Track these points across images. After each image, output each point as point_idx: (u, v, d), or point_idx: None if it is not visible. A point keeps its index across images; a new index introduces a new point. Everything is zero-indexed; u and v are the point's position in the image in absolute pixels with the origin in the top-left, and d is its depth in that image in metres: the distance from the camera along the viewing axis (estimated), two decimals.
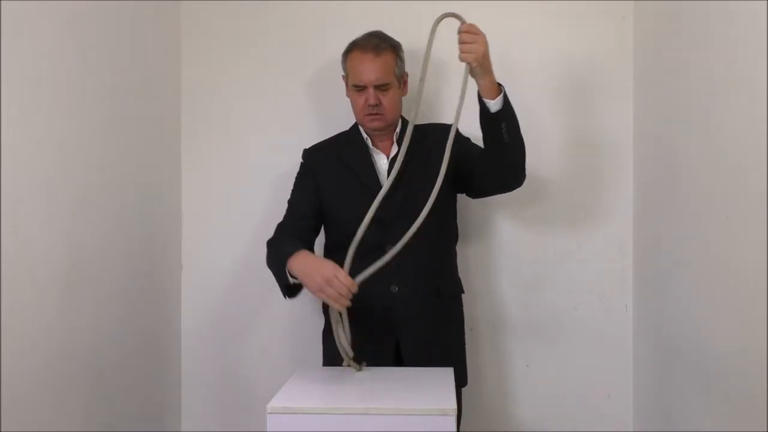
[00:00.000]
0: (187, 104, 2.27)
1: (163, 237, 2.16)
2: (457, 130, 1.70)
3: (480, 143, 1.81)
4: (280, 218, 1.89)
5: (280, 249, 1.72)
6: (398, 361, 1.83)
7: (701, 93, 1.67)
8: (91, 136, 1.73)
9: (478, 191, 1.92)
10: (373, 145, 1.90)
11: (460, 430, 1.85)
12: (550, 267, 2.21)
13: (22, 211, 1.46)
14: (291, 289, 1.71)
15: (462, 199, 1.98)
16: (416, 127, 1.71)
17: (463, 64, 1.64)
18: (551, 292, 2.20)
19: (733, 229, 1.50)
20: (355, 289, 1.57)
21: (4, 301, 1.39)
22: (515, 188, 1.85)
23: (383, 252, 1.64)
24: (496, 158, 1.74)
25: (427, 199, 1.61)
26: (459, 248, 2.00)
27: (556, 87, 2.18)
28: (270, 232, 1.84)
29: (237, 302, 2.26)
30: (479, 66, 1.62)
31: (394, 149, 1.88)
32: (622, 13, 2.17)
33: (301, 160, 1.96)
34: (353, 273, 1.60)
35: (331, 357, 1.78)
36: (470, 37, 1.61)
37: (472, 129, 1.84)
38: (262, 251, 1.80)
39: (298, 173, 1.95)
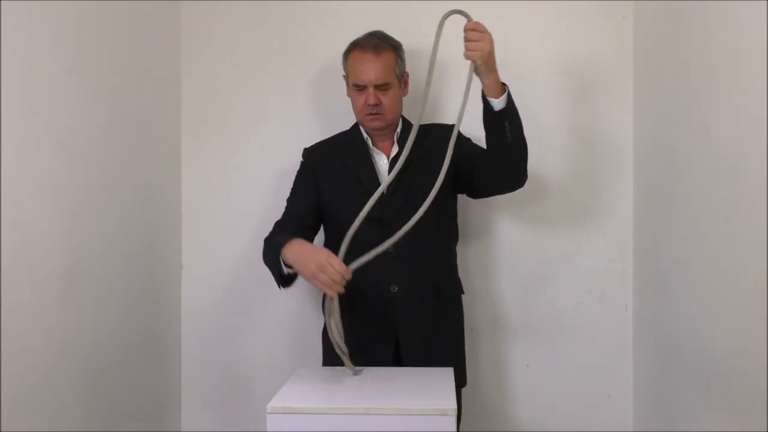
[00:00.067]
0: (187, 104, 2.27)
1: (163, 237, 2.16)
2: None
3: (481, 143, 1.81)
4: (279, 218, 1.90)
5: (275, 240, 1.73)
6: (398, 361, 1.83)
7: (701, 93, 1.67)
8: (91, 135, 1.73)
9: (479, 191, 1.92)
10: (374, 145, 1.90)
11: (460, 430, 1.85)
12: (550, 267, 2.21)
13: (23, 211, 1.46)
14: (285, 279, 1.71)
15: (462, 199, 1.98)
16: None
17: (463, 63, 1.64)
18: (551, 292, 2.20)
19: (733, 229, 1.50)
20: (348, 276, 1.56)
21: (4, 301, 1.39)
22: (517, 188, 1.84)
23: (383, 252, 1.63)
24: (498, 158, 1.74)
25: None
26: (459, 248, 2.00)
27: (556, 87, 2.18)
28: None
29: (237, 302, 2.26)
30: (484, 64, 1.62)
31: (395, 149, 1.88)
32: (622, 13, 2.17)
33: (301, 159, 1.96)
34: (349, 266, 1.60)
35: (331, 357, 1.78)
36: (476, 35, 1.61)
37: (472, 129, 1.84)
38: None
39: (298, 172, 1.95)
